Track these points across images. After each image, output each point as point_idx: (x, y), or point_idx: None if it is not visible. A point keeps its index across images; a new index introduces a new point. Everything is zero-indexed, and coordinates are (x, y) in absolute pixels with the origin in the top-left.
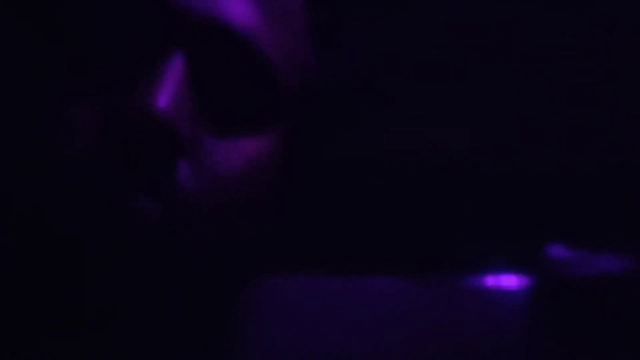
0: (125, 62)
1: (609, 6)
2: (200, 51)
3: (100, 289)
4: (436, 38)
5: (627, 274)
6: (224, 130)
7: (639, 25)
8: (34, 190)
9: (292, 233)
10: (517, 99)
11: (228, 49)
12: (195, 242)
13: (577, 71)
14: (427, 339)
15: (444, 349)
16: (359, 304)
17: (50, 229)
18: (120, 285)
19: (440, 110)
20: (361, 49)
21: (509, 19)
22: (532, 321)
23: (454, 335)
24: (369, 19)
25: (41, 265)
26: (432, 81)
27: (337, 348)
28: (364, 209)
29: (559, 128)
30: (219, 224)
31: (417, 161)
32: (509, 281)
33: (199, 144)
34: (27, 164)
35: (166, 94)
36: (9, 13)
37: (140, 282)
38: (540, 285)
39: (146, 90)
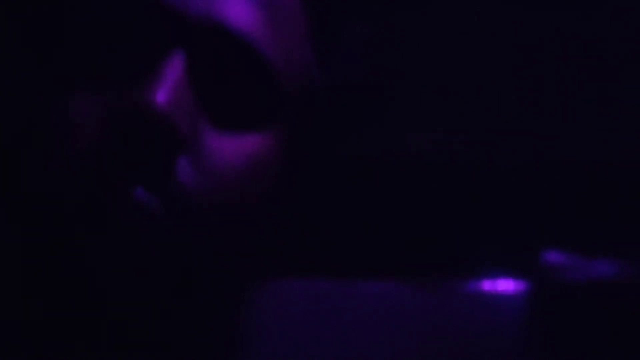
0: (126, 61)
1: (609, 8)
2: (200, 50)
3: (101, 287)
4: (437, 40)
5: (623, 279)
6: (225, 128)
7: (638, 26)
8: (36, 186)
9: (292, 235)
10: (518, 102)
11: (228, 49)
12: (196, 239)
13: (576, 76)
14: (424, 342)
15: (441, 352)
16: (356, 307)
17: (51, 224)
18: (120, 284)
19: (440, 113)
20: (362, 51)
21: (509, 20)
22: (529, 326)
23: (451, 339)
24: (370, 21)
25: (42, 261)
26: (433, 83)
27: (335, 351)
28: (362, 212)
29: (557, 133)
30: (219, 221)
31: (415, 165)
32: (506, 286)
33: (199, 140)
34: (29, 160)
35: (165, 90)
36: (12, 13)
37: (142, 281)
38: (536, 290)
39: (146, 87)
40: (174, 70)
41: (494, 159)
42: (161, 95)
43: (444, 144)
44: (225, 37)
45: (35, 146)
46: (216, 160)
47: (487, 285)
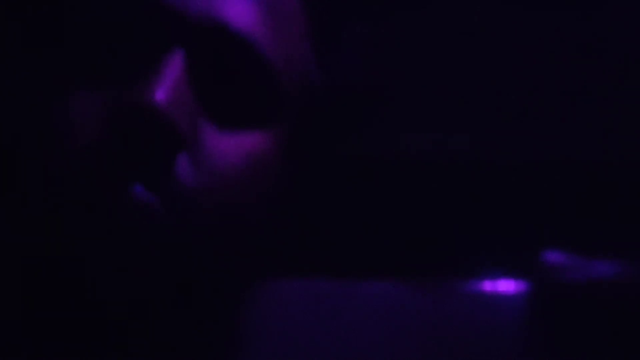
0: (126, 60)
1: (609, 8)
2: (200, 50)
3: (101, 287)
4: (437, 40)
5: (623, 279)
6: (225, 127)
7: (638, 26)
8: (36, 186)
9: (292, 235)
10: (518, 102)
11: (227, 49)
12: (196, 238)
13: (576, 76)
14: (424, 342)
15: (441, 353)
16: (356, 307)
17: (51, 224)
18: (120, 284)
19: (440, 113)
20: (362, 51)
21: (509, 20)
22: (529, 326)
23: (451, 340)
24: (370, 21)
25: (42, 261)
26: (433, 83)
27: (336, 351)
28: (362, 212)
29: (557, 133)
30: (219, 221)
31: (415, 165)
32: (506, 286)
33: (198, 139)
34: (29, 160)
35: (164, 88)
36: (12, 13)
37: (142, 281)
38: (536, 290)
39: (145, 85)
40: (173, 69)
41: (494, 159)
42: (160, 94)
43: (444, 144)
44: (225, 37)
45: (35, 146)
46: (216, 159)
47: (487, 285)
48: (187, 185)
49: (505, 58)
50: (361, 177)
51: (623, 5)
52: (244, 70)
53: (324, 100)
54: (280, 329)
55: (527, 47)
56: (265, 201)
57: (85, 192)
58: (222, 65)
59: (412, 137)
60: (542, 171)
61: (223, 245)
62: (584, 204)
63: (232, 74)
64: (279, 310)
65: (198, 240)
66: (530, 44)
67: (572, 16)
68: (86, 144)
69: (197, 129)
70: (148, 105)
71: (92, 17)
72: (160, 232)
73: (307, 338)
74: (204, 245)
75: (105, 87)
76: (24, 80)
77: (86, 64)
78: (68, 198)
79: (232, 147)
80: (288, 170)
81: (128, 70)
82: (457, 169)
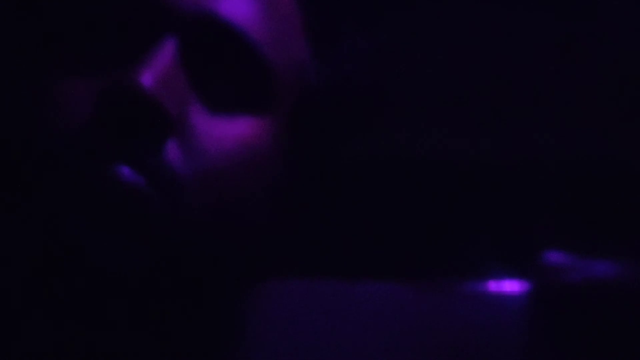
0: (118, 47)
1: (608, 8)
2: (193, 40)
3: (99, 285)
4: (438, 40)
5: (624, 279)
6: (218, 115)
7: (638, 28)
8: (25, 168)
9: (292, 235)
10: (518, 103)
11: (220, 41)
12: (194, 232)
13: (576, 76)
14: (425, 343)
15: (441, 353)
16: (357, 307)
17: (40, 209)
18: (119, 282)
19: (441, 114)
20: (363, 52)
21: (510, 20)
22: (530, 327)
23: (452, 340)
24: (369, 20)
25: (35, 248)
26: (433, 84)
27: (336, 351)
28: (363, 214)
29: (558, 134)
30: (216, 213)
31: (416, 165)
32: (507, 287)
33: (190, 124)
34: (19, 143)
35: (151, 72)
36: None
37: (140, 280)
38: (537, 291)
39: (134, 69)
40: (163, 55)
41: (494, 159)
42: (147, 77)
43: (445, 145)
44: (218, 30)
45: (24, 129)
46: (208, 145)
47: (488, 285)
48: (177, 170)
49: (505, 58)
50: (362, 178)
51: (623, 5)
52: (237, 62)
53: (324, 100)
54: (281, 329)
55: (527, 48)
56: (261, 195)
57: (73, 175)
58: (216, 55)
59: (412, 138)
60: (543, 171)
61: (222, 243)
62: (584, 205)
63: (226, 64)
64: (279, 310)
65: (196, 236)
66: (530, 45)
67: (572, 16)
68: (75, 127)
69: (187, 115)
70: (134, 88)
71: (85, 5)
72: (158, 226)
73: (307, 338)
74: (203, 242)
75: (96, 73)
76: (14, 64)
77: (78, 50)
78: (57, 181)
79: (225, 134)
80: (286, 166)
81: (119, 57)
82: (458, 169)
